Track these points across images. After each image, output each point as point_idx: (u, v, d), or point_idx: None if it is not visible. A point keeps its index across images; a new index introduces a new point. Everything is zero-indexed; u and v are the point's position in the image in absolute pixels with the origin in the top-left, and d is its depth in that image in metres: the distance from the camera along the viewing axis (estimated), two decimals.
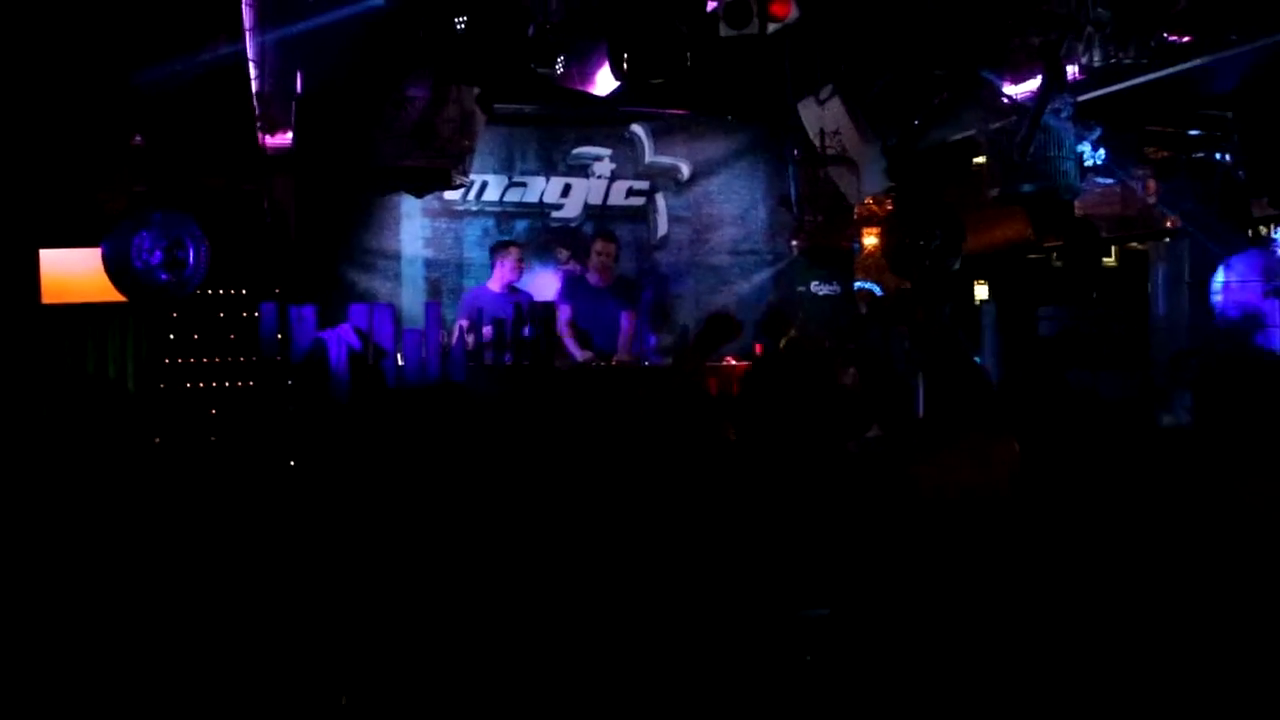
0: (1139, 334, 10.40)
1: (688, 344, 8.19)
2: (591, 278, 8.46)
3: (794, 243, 8.62)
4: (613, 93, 8.21)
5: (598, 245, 8.52)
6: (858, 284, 10.98)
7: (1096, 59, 7.55)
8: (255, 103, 7.97)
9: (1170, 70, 6.62)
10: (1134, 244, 11.17)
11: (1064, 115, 6.79)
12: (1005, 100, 7.61)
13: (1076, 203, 10.19)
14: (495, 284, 8.32)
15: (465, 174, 7.45)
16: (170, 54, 5.87)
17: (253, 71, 7.80)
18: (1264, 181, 6.66)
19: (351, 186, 7.93)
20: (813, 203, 8.19)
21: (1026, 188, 6.93)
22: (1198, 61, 6.69)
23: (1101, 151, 7.08)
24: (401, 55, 7.55)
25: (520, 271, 8.41)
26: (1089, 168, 7.20)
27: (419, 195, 8.14)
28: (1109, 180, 9.61)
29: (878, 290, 11.11)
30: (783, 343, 7.19)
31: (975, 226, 10.57)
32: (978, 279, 12.29)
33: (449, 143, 6.84)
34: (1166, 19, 7.52)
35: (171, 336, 8.63)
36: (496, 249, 8.52)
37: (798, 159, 8.39)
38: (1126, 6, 7.44)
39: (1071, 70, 7.68)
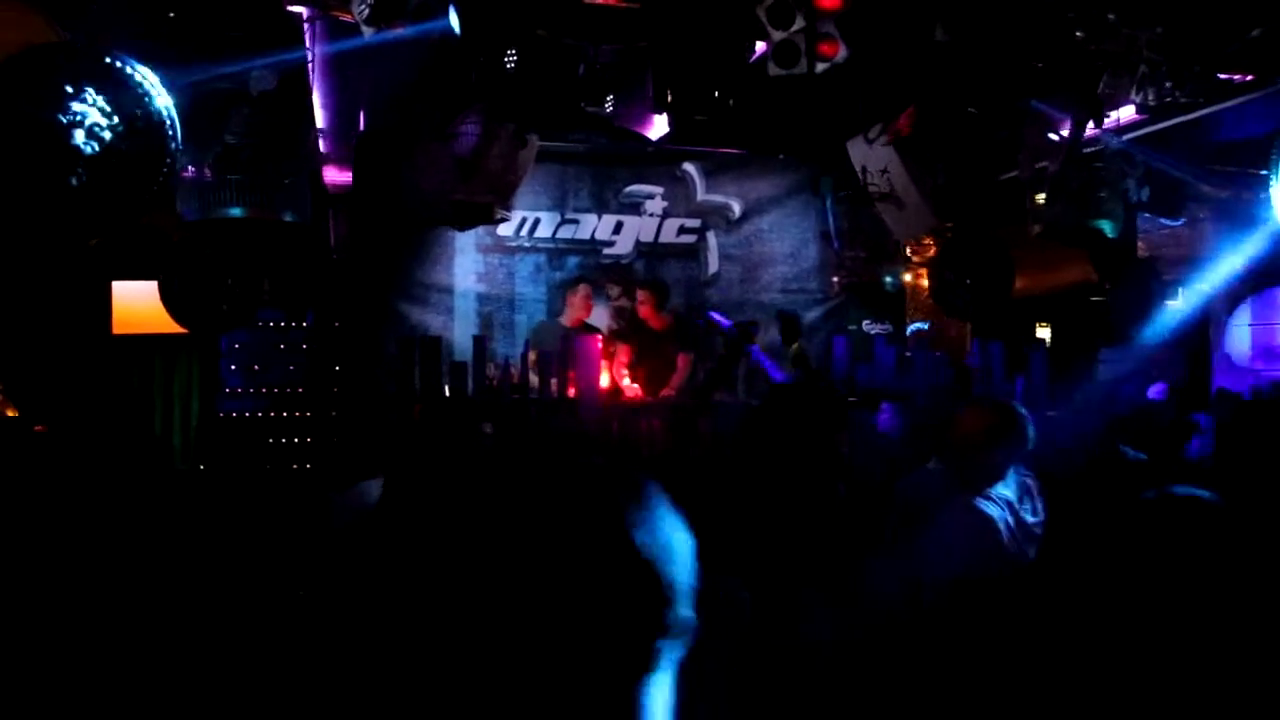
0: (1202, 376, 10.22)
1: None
2: (651, 323, 8.50)
3: (834, 279, 8.62)
4: (662, 139, 8.31)
5: (640, 295, 8.60)
6: (914, 325, 10.91)
7: (1151, 97, 7.49)
8: (319, 139, 8.22)
9: (1200, 112, 6.52)
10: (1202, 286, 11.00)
11: (1110, 153, 6.73)
12: (1054, 138, 7.58)
13: (1143, 243, 10.08)
14: (568, 320, 8.47)
15: (508, 208, 7.58)
16: (232, 87, 6.06)
17: (318, 102, 8.02)
18: None
19: (399, 220, 8.12)
20: (855, 240, 8.19)
21: (1070, 224, 6.87)
22: (1238, 100, 6.60)
23: (1146, 189, 7.00)
24: (453, 92, 7.75)
25: (590, 308, 8.57)
26: (1134, 204, 7.11)
27: (461, 228, 8.30)
28: (1177, 222, 9.49)
29: None
30: (793, 349, 7.15)
31: (1037, 268, 10.46)
32: (1040, 321, 12.15)
33: (493, 178, 6.98)
34: (1222, 57, 7.45)
35: (233, 367, 8.84)
36: (568, 286, 8.73)
37: (837, 196, 8.39)
38: (1181, 45, 7.38)
39: (1129, 110, 7.67)
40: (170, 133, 4.69)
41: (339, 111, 8.45)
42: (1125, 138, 7.14)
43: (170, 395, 9.13)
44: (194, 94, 5.75)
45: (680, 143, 9.06)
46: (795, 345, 7.46)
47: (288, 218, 6.11)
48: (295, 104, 6.43)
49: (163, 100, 4.69)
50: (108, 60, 4.59)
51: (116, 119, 4.60)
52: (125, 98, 4.62)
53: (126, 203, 4.67)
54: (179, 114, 5.87)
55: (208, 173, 5.88)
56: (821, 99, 8.00)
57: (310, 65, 7.84)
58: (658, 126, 8.39)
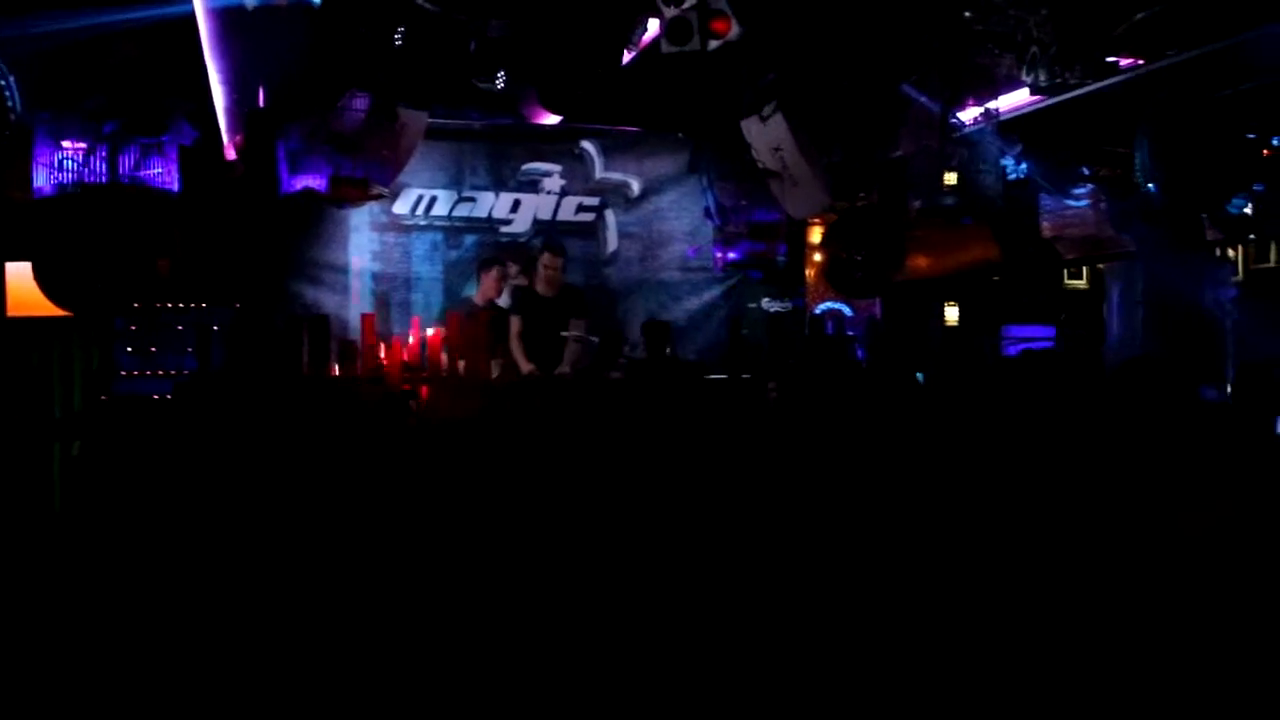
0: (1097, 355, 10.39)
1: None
2: (540, 288, 8.52)
3: (717, 255, 8.64)
4: (561, 124, 8.22)
5: (545, 259, 8.60)
6: (825, 304, 10.99)
7: (1043, 79, 7.59)
8: (223, 115, 8.05)
9: (1075, 93, 6.61)
10: (1101, 265, 11.18)
11: (987, 132, 6.80)
12: (950, 119, 7.63)
13: (1046, 224, 10.22)
14: (480, 298, 8.60)
15: (386, 185, 7.50)
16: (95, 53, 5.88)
17: (218, 79, 7.83)
18: (1177, 199, 6.66)
19: (275, 196, 7.97)
20: (737, 216, 8.18)
21: (947, 201, 6.94)
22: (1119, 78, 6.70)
23: (1024, 166, 7.08)
24: (342, 68, 7.64)
25: (501, 289, 8.70)
26: (1014, 182, 7.20)
27: (339, 206, 8.21)
28: (1082, 203, 9.64)
29: (848, 311, 11.11)
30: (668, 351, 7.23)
31: (943, 247, 10.59)
32: (948, 300, 12.31)
33: (373, 155, 6.90)
34: (1110, 40, 7.55)
35: (129, 349, 8.69)
36: (482, 265, 8.90)
37: (715, 172, 8.40)
38: (1071, 28, 7.48)
39: (1022, 92, 7.77)
40: (9, 103, 4.57)
41: (239, 89, 8.30)
42: (1008, 115, 7.21)
43: (71, 378, 8.92)
44: (54, 60, 5.61)
45: (586, 120, 9.01)
46: (667, 352, 7.58)
47: (164, 191, 5.96)
48: (163, 72, 6.24)
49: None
50: None
51: None
52: None
53: None
54: (38, 79, 5.76)
55: (66, 145, 5.71)
56: (711, 75, 8.01)
57: (207, 41, 7.72)
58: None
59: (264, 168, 7.91)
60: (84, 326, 8.46)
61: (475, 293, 9.01)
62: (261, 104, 8.28)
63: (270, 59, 7.89)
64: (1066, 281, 11.93)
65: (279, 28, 7.61)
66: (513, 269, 9.22)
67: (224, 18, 7.73)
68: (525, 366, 8.18)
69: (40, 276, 6.96)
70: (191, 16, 6.59)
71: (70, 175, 5.68)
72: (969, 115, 7.96)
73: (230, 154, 8.20)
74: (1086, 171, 8.75)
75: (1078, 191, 9.45)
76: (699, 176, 8.16)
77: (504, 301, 8.88)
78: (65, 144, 5.70)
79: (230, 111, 8.26)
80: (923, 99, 7.09)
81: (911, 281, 11.15)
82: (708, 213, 8.21)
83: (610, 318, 9.27)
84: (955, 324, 12.42)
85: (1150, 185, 6.57)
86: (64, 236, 6.61)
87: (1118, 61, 7.75)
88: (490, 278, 8.83)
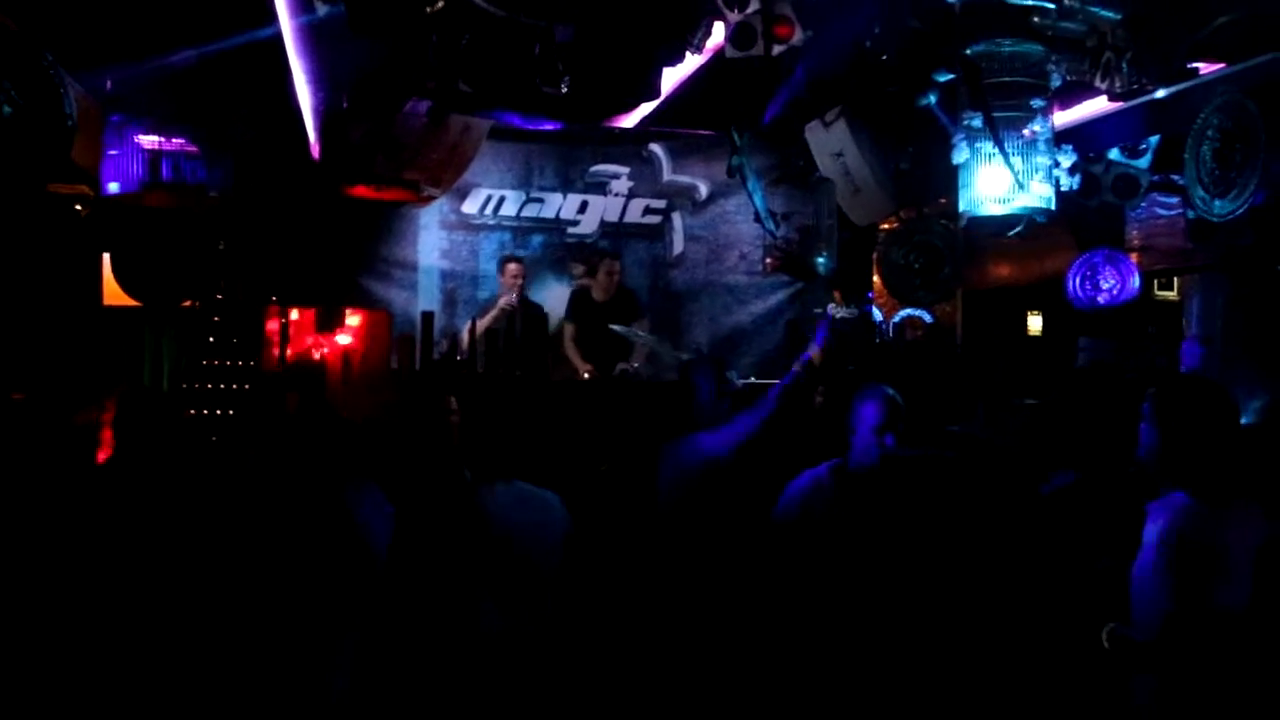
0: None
1: None
2: (596, 294, 8.56)
3: (767, 260, 8.61)
4: (630, 126, 8.22)
5: (608, 265, 8.61)
6: (905, 311, 10.84)
7: (1118, 84, 7.42)
8: (310, 118, 8.29)
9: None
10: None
11: (1040, 140, 6.67)
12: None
13: (1134, 232, 9.96)
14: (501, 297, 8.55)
15: (438, 188, 7.64)
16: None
17: (306, 82, 8.06)
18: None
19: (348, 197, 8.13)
20: (790, 222, 8.14)
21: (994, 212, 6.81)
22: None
23: (1077, 178, 6.92)
24: (405, 72, 7.80)
25: (516, 286, 8.37)
26: (1068, 192, 7.04)
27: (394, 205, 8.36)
28: (1173, 212, 9.39)
29: (928, 317, 10.96)
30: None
31: (1022, 257, 10.39)
32: (1031, 310, 12.06)
33: (424, 157, 7.05)
34: (1192, 45, 7.34)
35: (210, 339, 9.00)
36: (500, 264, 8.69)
37: (763, 178, 8.35)
38: (1147, 32, 7.29)
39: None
40: (68, 110, 4.81)
41: (323, 93, 8.53)
42: (1062, 125, 7.07)
43: (160, 366, 9.26)
44: (117, 69, 5.89)
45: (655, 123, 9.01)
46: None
47: (212, 193, 6.23)
48: (221, 79, 6.49)
49: (59, 82, 4.82)
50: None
51: (15, 93, 4.74)
52: (25, 77, 4.75)
53: (23, 176, 4.82)
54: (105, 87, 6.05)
55: (133, 144, 5.99)
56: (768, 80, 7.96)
57: (293, 48, 7.96)
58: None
59: (335, 168, 8.14)
60: (172, 317, 8.80)
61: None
62: (345, 106, 8.53)
63: (346, 64, 8.11)
64: (1156, 292, 11.58)
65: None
66: (578, 269, 9.32)
67: (305, 25, 7.96)
68: (582, 368, 8.24)
69: (115, 269, 7.28)
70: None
71: (135, 175, 5.97)
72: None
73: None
74: (1178, 180, 8.53)
75: (1169, 201, 9.21)
76: (740, 180, 8.10)
77: (560, 299, 8.89)
78: (132, 143, 5.98)
79: (317, 114, 8.51)
80: (941, 115, 6.93)
81: (990, 290, 10.95)
82: (756, 217, 8.19)
83: (673, 320, 9.32)
84: (1038, 334, 12.18)
85: (1200, 196, 6.37)
86: (131, 233, 6.90)
87: (1197, 67, 7.54)
88: (505, 277, 8.40)
